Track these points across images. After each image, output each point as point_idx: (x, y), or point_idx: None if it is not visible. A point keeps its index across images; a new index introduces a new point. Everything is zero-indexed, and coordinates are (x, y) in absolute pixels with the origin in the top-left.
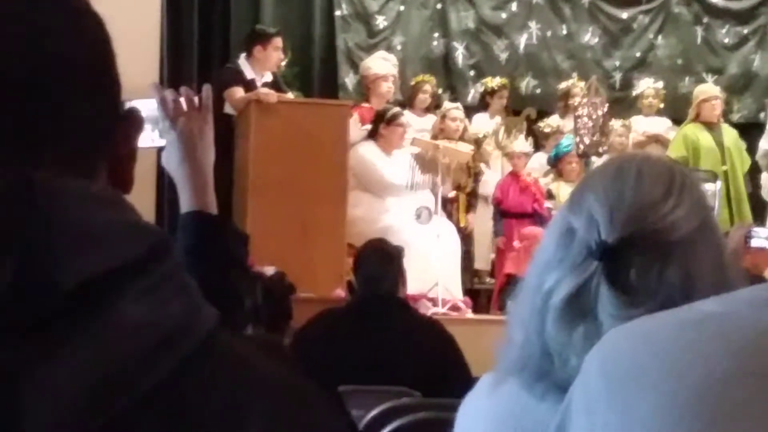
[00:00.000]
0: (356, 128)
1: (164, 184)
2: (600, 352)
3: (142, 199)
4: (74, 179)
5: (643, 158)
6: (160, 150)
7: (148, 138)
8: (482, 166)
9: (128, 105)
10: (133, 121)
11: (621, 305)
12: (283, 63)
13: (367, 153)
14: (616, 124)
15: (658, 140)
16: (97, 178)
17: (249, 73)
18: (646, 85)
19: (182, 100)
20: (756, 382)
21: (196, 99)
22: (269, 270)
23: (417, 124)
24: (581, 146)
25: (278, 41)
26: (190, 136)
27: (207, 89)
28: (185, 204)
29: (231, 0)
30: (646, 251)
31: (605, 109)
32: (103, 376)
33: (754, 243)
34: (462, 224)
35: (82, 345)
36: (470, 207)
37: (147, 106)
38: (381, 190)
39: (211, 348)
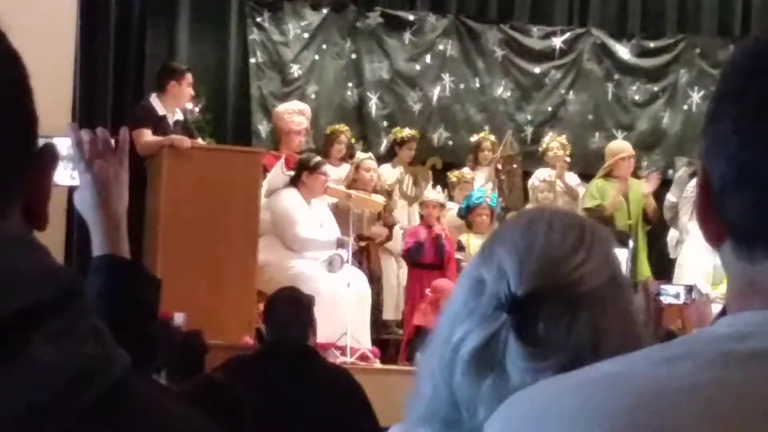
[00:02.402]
0: (280, 173)
1: (74, 224)
2: (501, 416)
3: (51, 238)
4: None
5: (553, 212)
6: (71, 189)
7: (67, 176)
8: (395, 216)
9: (44, 141)
10: (48, 157)
11: (529, 358)
12: (197, 109)
13: (288, 202)
14: (536, 180)
15: (553, 188)
16: (9, 217)
17: (160, 110)
18: (550, 138)
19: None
20: None
21: (112, 141)
22: (179, 316)
23: (333, 174)
24: (502, 201)
25: (190, 77)
26: (106, 179)
27: (124, 132)
28: (97, 247)
29: (146, 41)
30: (554, 304)
31: (518, 163)
32: (11, 418)
33: (664, 300)
34: (372, 274)
35: None
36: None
37: (64, 145)
38: (292, 244)
39: (123, 391)
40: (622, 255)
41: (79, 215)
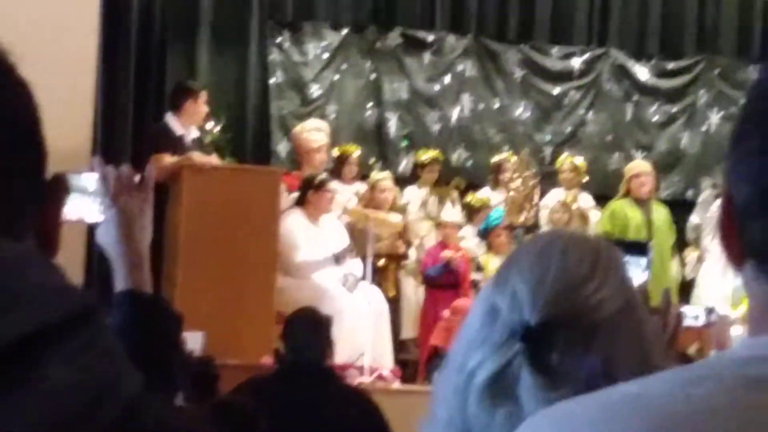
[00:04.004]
0: (283, 196)
1: (94, 259)
2: None
3: (70, 273)
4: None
5: (567, 237)
6: (95, 225)
7: (94, 212)
8: (411, 234)
9: (71, 177)
10: (60, 187)
11: (542, 388)
12: (217, 129)
13: (290, 225)
14: (551, 200)
15: (568, 210)
16: (24, 240)
17: (178, 129)
18: (563, 159)
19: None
20: None
21: (137, 177)
22: (197, 335)
23: (345, 192)
24: (512, 219)
25: (205, 95)
26: (130, 215)
27: (150, 169)
28: (120, 282)
29: (166, 62)
30: (568, 333)
31: (535, 183)
32: None
33: (684, 322)
34: (391, 294)
35: (7, 407)
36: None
37: (91, 180)
38: (288, 268)
39: (136, 411)
40: (640, 263)
41: (100, 250)
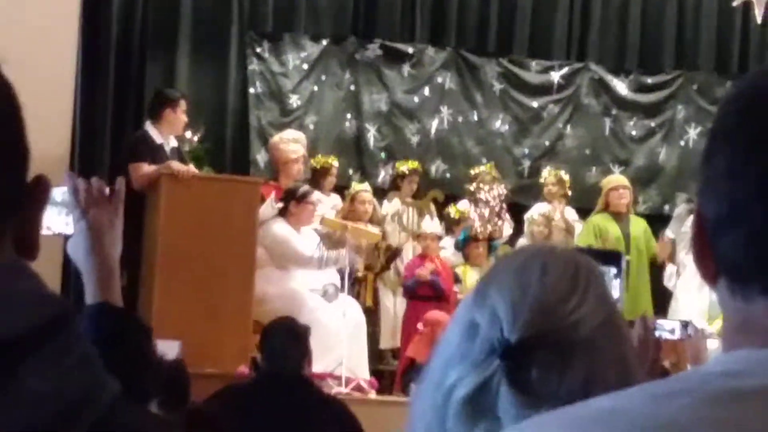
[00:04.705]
0: (270, 206)
1: (70, 273)
2: None
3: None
4: None
5: (547, 253)
6: (66, 237)
7: (63, 223)
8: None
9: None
10: (40, 190)
11: (521, 405)
12: (195, 138)
13: (280, 229)
14: (534, 213)
15: (551, 224)
16: (2, 247)
17: (157, 138)
18: (548, 173)
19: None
20: None
21: (107, 190)
22: (174, 344)
23: (324, 202)
24: (479, 230)
25: (184, 104)
26: (100, 228)
27: (120, 182)
28: (90, 295)
29: (146, 73)
30: (547, 351)
31: (502, 195)
32: None
33: (659, 335)
34: (368, 304)
35: None
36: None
37: (59, 192)
38: (295, 263)
39: (112, 420)
40: (610, 273)
41: (73, 264)
